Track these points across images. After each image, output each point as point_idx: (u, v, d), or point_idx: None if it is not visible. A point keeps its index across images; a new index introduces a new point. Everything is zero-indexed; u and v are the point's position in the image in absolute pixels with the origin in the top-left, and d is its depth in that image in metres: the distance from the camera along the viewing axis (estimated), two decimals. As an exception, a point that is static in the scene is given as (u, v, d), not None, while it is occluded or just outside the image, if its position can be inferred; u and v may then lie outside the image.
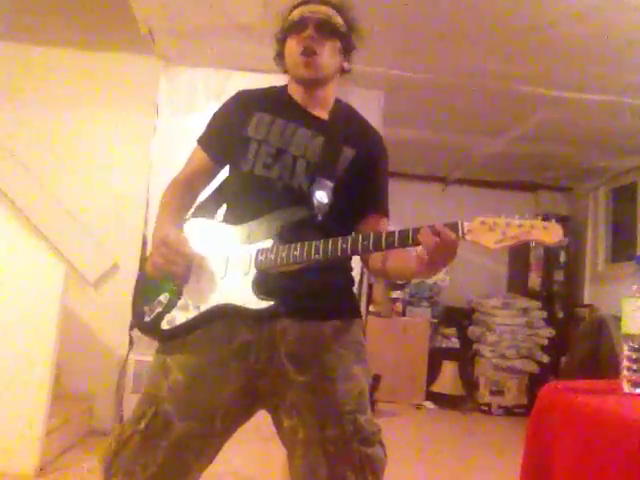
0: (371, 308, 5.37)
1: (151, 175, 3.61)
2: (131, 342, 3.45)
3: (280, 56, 1.47)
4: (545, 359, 5.26)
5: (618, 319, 1.35)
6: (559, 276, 5.78)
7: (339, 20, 1.43)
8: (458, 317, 5.82)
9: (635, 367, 1.28)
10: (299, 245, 1.25)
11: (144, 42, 3.41)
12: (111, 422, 3.46)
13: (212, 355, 1.31)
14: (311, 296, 1.33)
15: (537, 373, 5.23)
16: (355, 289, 1.55)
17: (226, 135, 1.45)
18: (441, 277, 5.32)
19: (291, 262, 1.26)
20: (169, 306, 1.35)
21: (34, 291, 2.78)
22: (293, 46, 1.40)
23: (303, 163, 1.37)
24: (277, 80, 1.54)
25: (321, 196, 1.34)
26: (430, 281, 5.48)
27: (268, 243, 1.30)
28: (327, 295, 1.37)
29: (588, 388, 1.45)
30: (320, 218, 1.34)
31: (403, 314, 5.61)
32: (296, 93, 1.46)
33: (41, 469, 2.71)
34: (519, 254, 5.69)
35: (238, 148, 1.41)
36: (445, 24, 3.02)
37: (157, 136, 3.68)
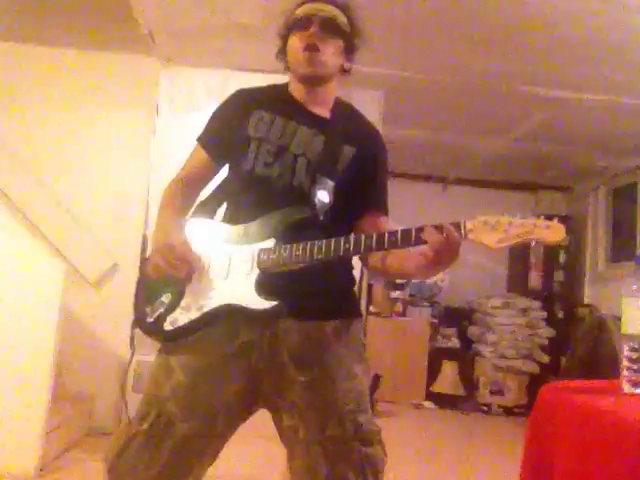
0: (371, 308, 5.37)
1: (151, 175, 3.60)
2: (133, 342, 3.44)
3: (282, 52, 1.47)
4: (545, 359, 5.26)
5: (618, 319, 1.35)
6: (559, 276, 5.78)
7: (344, 20, 1.42)
8: (458, 317, 5.82)
9: (635, 367, 1.28)
10: (301, 245, 1.25)
11: (144, 42, 3.41)
12: (111, 422, 3.46)
13: (214, 355, 1.31)
14: (313, 296, 1.33)
15: (537, 373, 5.23)
16: (355, 289, 1.56)
17: (226, 134, 1.45)
18: (440, 277, 5.33)
19: (293, 262, 1.26)
20: (171, 307, 1.34)
21: (34, 291, 2.78)
22: (296, 43, 1.39)
23: (304, 162, 1.37)
24: (277, 80, 1.54)
25: (322, 195, 1.34)
26: (430, 281, 5.48)
27: (270, 243, 1.30)
28: (328, 295, 1.37)
29: (588, 388, 1.45)
30: (321, 218, 1.34)
31: (403, 314, 5.61)
32: (297, 91, 1.46)
33: (41, 469, 2.71)
34: (519, 254, 5.69)
35: (238, 147, 1.41)
36: (445, 24, 3.02)
37: (157, 136, 3.68)
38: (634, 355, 1.28)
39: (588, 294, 5.70)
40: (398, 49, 3.31)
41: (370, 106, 3.54)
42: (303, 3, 1.44)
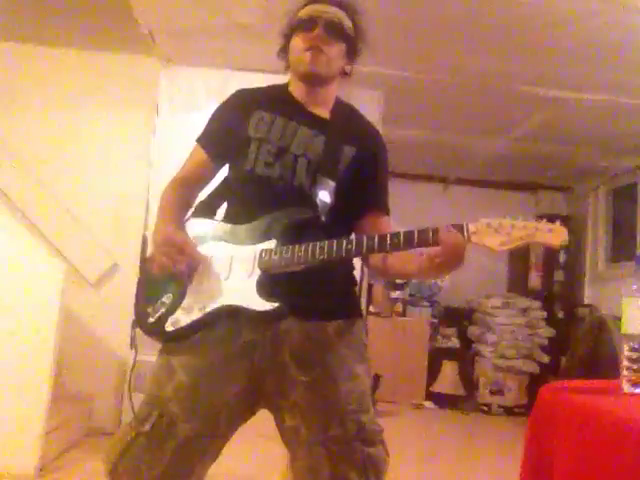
0: (371, 308, 5.38)
1: (151, 175, 3.60)
2: (134, 342, 3.44)
3: (284, 51, 1.46)
4: (545, 359, 5.26)
5: (618, 319, 1.35)
6: (559, 276, 5.78)
7: (348, 23, 1.42)
8: (458, 317, 5.82)
9: (635, 367, 1.28)
10: (303, 246, 1.25)
11: (144, 42, 3.41)
12: (111, 422, 3.46)
13: (216, 356, 1.31)
14: (314, 296, 1.33)
15: (537, 373, 5.23)
16: (356, 289, 1.56)
17: (226, 134, 1.45)
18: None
19: (295, 263, 1.26)
20: (172, 307, 1.34)
21: (34, 291, 2.78)
22: (299, 43, 1.39)
23: (304, 162, 1.37)
24: (277, 80, 1.54)
25: (324, 196, 1.34)
26: (430, 281, 5.48)
27: (271, 244, 1.30)
28: (330, 295, 1.37)
29: (588, 388, 1.45)
30: (323, 218, 1.34)
31: (403, 314, 5.61)
32: (297, 91, 1.45)
33: (41, 469, 2.71)
34: (519, 254, 5.68)
35: (238, 147, 1.41)
36: (445, 24, 3.02)
37: (157, 136, 3.68)
38: (634, 355, 1.28)
39: (588, 294, 5.70)
40: (398, 49, 3.31)
41: (370, 106, 3.54)
42: (308, 4, 1.43)
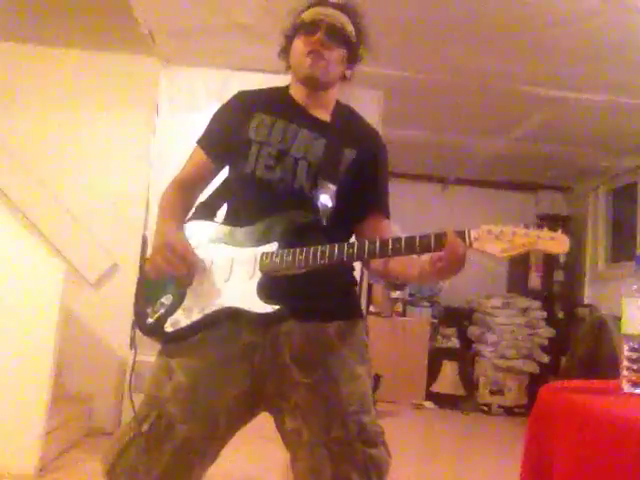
0: (371, 308, 5.38)
1: (151, 175, 3.61)
2: (134, 342, 3.44)
3: (285, 52, 1.46)
4: (545, 359, 5.26)
5: (618, 319, 1.35)
6: (559, 276, 5.78)
7: (351, 29, 1.42)
8: (458, 317, 5.82)
9: (635, 367, 1.28)
10: (305, 250, 1.25)
11: (144, 42, 3.41)
12: (111, 422, 3.46)
13: (216, 357, 1.30)
14: (315, 297, 1.33)
15: (537, 373, 5.22)
16: (356, 289, 1.55)
17: (226, 136, 1.44)
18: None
19: (297, 266, 1.26)
20: (172, 308, 1.34)
21: (34, 291, 2.78)
22: (300, 46, 1.39)
23: (304, 165, 1.37)
24: (278, 80, 1.54)
25: (325, 199, 1.34)
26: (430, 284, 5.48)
27: (272, 246, 1.30)
28: (331, 296, 1.37)
29: (588, 388, 1.45)
30: (324, 222, 1.33)
31: (403, 314, 5.61)
32: (298, 94, 1.45)
33: (41, 469, 2.71)
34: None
35: (239, 150, 1.40)
36: (445, 24, 3.02)
37: (157, 136, 3.68)
38: (634, 355, 1.27)
39: (588, 294, 5.70)
40: (398, 49, 3.31)
41: (370, 106, 3.55)
42: (311, 6, 1.43)
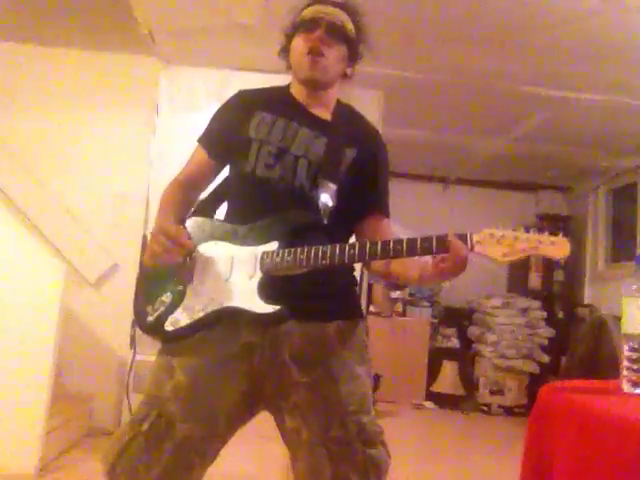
0: (371, 308, 5.38)
1: (151, 175, 3.61)
2: (134, 341, 3.44)
3: (285, 51, 1.46)
4: (545, 359, 5.26)
5: (618, 319, 1.35)
6: (559, 276, 5.78)
7: (350, 26, 1.42)
8: (458, 317, 5.82)
9: (635, 367, 1.28)
10: (306, 249, 1.25)
11: (144, 42, 3.41)
12: (111, 422, 3.46)
13: (215, 356, 1.30)
14: (315, 297, 1.33)
15: (537, 373, 5.23)
16: (357, 289, 1.55)
17: (227, 135, 1.45)
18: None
19: (297, 266, 1.26)
20: (172, 306, 1.34)
21: (34, 291, 2.78)
22: (300, 44, 1.39)
23: (305, 163, 1.37)
24: (278, 80, 1.54)
25: (325, 198, 1.34)
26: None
27: (273, 245, 1.30)
28: (331, 296, 1.37)
29: (588, 388, 1.45)
30: (325, 221, 1.33)
31: (403, 314, 5.61)
32: (298, 93, 1.45)
33: (41, 469, 2.71)
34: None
35: (239, 148, 1.40)
36: (445, 24, 3.02)
37: (157, 136, 3.68)
38: (634, 355, 1.27)
39: (588, 294, 5.70)
40: (398, 49, 3.31)
41: (370, 106, 3.55)
42: (311, 4, 1.43)
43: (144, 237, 3.50)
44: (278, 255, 1.28)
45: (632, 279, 1.32)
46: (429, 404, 5.22)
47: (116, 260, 3.65)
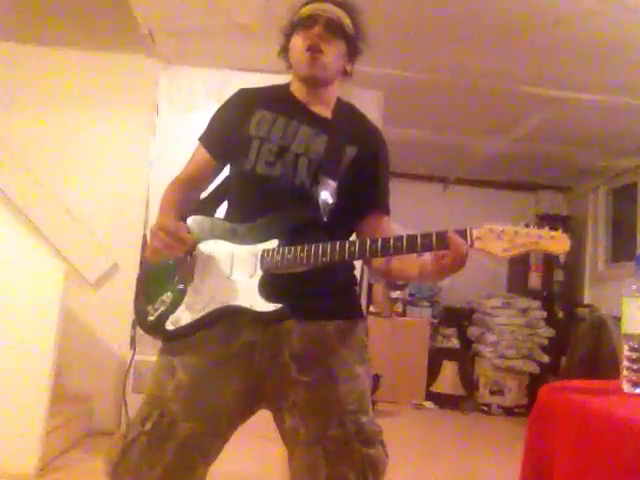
0: (371, 308, 5.37)
1: (151, 175, 3.61)
2: (134, 342, 3.44)
3: (284, 50, 1.47)
4: (545, 359, 5.26)
5: (618, 319, 1.35)
6: (559, 276, 5.78)
7: (348, 22, 1.42)
8: (458, 317, 5.82)
9: (635, 367, 1.28)
10: (306, 247, 1.25)
11: (144, 42, 3.41)
12: (111, 422, 3.46)
13: (216, 355, 1.31)
14: (315, 296, 1.33)
15: (537, 373, 5.23)
16: (357, 288, 1.55)
17: (228, 133, 1.45)
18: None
19: (298, 264, 1.26)
20: (173, 306, 1.34)
21: (34, 291, 2.78)
22: (299, 42, 1.39)
23: (305, 161, 1.37)
24: (277, 80, 1.54)
25: (325, 196, 1.34)
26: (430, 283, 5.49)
27: (273, 244, 1.30)
28: (331, 295, 1.37)
29: (588, 388, 1.45)
30: (325, 219, 1.33)
31: (403, 314, 5.61)
32: (298, 91, 1.45)
33: (41, 469, 2.71)
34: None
35: (240, 146, 1.41)
36: (445, 24, 3.02)
37: (157, 136, 3.68)
38: (634, 355, 1.27)
39: (588, 294, 5.70)
40: (398, 49, 3.31)
41: (370, 106, 3.54)
42: (308, 3, 1.43)
43: (144, 237, 3.50)
44: (278, 253, 1.28)
45: (632, 279, 1.32)
46: (429, 404, 5.22)
47: (116, 260, 3.65)
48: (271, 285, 1.28)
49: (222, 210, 1.50)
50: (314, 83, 1.42)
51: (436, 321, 5.69)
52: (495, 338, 5.28)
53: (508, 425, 4.82)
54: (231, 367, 1.30)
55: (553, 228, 1.15)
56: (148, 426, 1.26)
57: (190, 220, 1.43)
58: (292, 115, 1.41)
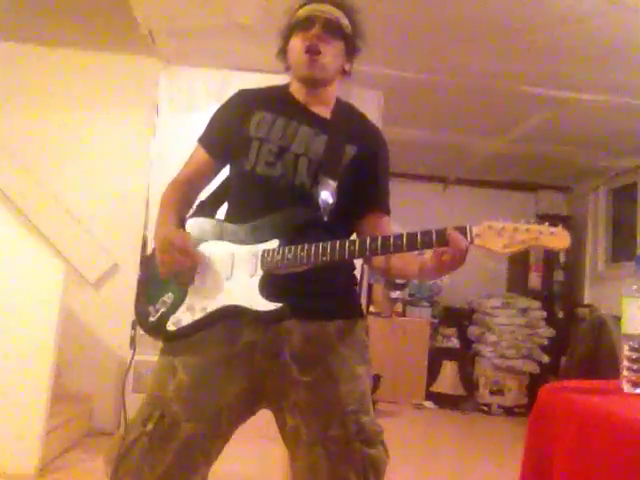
0: (371, 308, 5.37)
1: (151, 175, 3.61)
2: (134, 342, 3.44)
3: (283, 52, 1.47)
4: (545, 359, 5.26)
5: (618, 319, 1.35)
6: (559, 276, 5.78)
7: (346, 22, 1.42)
8: (458, 317, 5.82)
9: (635, 367, 1.28)
10: (306, 247, 1.25)
11: (144, 42, 3.41)
12: (111, 422, 3.46)
13: (217, 355, 1.31)
14: (316, 296, 1.33)
15: (537, 373, 5.23)
16: (357, 288, 1.55)
17: (227, 134, 1.45)
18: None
19: (298, 264, 1.26)
20: (174, 306, 1.34)
21: (34, 291, 2.78)
22: (298, 43, 1.39)
23: (305, 161, 1.37)
24: (277, 80, 1.54)
25: (326, 196, 1.34)
26: (430, 281, 5.49)
27: (274, 244, 1.30)
28: (331, 295, 1.37)
29: (588, 388, 1.45)
30: (325, 218, 1.34)
31: (403, 314, 5.62)
32: (298, 91, 1.46)
33: (41, 469, 2.71)
34: (519, 254, 5.63)
35: (239, 147, 1.41)
36: (445, 24, 3.02)
37: (157, 136, 3.68)
38: (634, 355, 1.27)
39: (588, 294, 5.70)
40: (398, 49, 3.31)
41: (370, 106, 3.54)
42: (306, 3, 1.43)
43: (144, 237, 3.52)
44: (279, 253, 1.28)
45: (632, 279, 1.32)
46: (429, 404, 5.22)
47: (116, 260, 3.65)
48: (272, 285, 1.28)
49: (222, 211, 1.50)
50: (313, 84, 1.43)
51: (436, 321, 5.69)
52: (495, 338, 5.28)
53: (508, 425, 4.82)
54: (232, 367, 1.30)
55: (553, 224, 1.15)
56: (149, 427, 1.26)
57: (190, 222, 1.43)
58: (292, 115, 1.41)
